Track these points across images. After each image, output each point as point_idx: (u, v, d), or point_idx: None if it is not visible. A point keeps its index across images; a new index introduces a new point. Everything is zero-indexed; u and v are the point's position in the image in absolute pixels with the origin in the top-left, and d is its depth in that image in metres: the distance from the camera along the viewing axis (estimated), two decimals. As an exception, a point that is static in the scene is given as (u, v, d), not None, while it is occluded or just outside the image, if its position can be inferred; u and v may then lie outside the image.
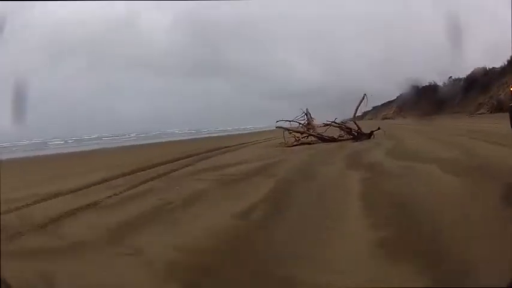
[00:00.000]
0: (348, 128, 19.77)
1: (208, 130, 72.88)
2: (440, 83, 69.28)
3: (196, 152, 17.76)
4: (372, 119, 75.74)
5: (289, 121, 22.08)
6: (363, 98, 20.05)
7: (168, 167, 12.46)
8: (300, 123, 22.22)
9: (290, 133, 20.49)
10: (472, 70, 65.03)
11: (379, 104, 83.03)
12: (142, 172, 11.36)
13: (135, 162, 13.82)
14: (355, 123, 20.17)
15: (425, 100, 71.78)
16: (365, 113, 74.66)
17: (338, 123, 20.01)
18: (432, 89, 71.00)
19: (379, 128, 19.53)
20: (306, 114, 22.27)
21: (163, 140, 40.03)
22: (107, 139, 55.79)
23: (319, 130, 21.33)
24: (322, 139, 19.82)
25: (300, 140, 20.16)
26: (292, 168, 10.53)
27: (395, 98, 79.04)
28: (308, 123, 22.11)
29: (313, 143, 19.73)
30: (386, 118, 72.82)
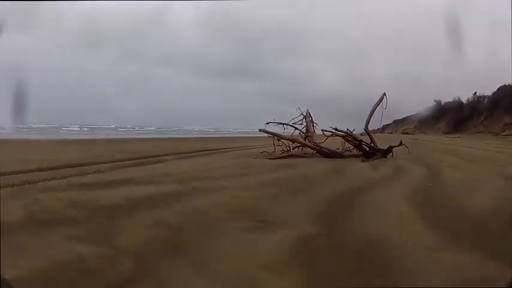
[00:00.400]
0: (356, 139, 12.99)
1: (228, 130, 67.56)
2: (464, 99, 61.41)
3: (156, 154, 12.93)
4: (392, 132, 68.72)
5: (283, 124, 15.44)
6: (382, 98, 13.25)
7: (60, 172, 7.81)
8: (297, 129, 15.58)
9: (278, 140, 13.93)
10: (498, 87, 56.86)
11: (400, 117, 75.82)
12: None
13: (47, 160, 9.44)
14: (368, 134, 13.43)
15: (448, 117, 64.00)
16: (385, 126, 67.95)
17: (344, 132, 13.20)
18: (455, 105, 63.03)
19: (401, 143, 12.78)
20: (304, 117, 15.61)
21: (158, 136, 34.72)
22: (122, 130, 52.00)
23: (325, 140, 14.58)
24: (321, 152, 13.19)
25: (290, 150, 13.59)
26: (180, 222, 4.15)
27: (417, 112, 71.54)
28: (307, 130, 15.45)
29: (306, 157, 13.16)
30: (406, 133, 65.58)
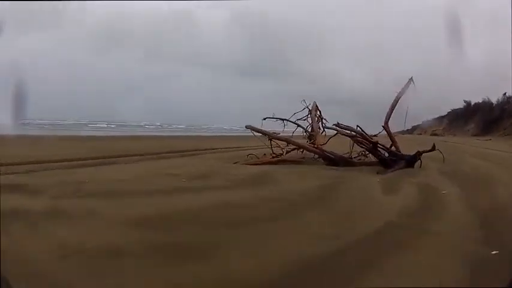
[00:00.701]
0: (369, 140, 9.11)
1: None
2: (493, 100, 55.84)
3: (123, 154, 10.53)
4: (421, 134, 63.47)
5: (283, 120, 11.82)
6: (408, 85, 9.32)
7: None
8: (299, 126, 11.94)
9: (270, 140, 10.30)
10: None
11: (429, 118, 69.81)
12: None
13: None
14: (389, 134, 9.55)
15: (477, 118, 58.33)
16: (414, 127, 62.53)
17: (355, 131, 9.36)
18: (485, 106, 57.36)
19: (434, 148, 8.91)
20: (310, 111, 11.86)
21: (165, 134, 31.96)
22: (150, 127, 49.68)
23: (327, 141, 10.83)
24: (324, 157, 9.50)
25: (283, 154, 9.93)
26: None
27: (446, 113, 65.92)
28: (312, 128, 11.68)
29: (303, 162, 9.53)
30: (435, 134, 60.36)
